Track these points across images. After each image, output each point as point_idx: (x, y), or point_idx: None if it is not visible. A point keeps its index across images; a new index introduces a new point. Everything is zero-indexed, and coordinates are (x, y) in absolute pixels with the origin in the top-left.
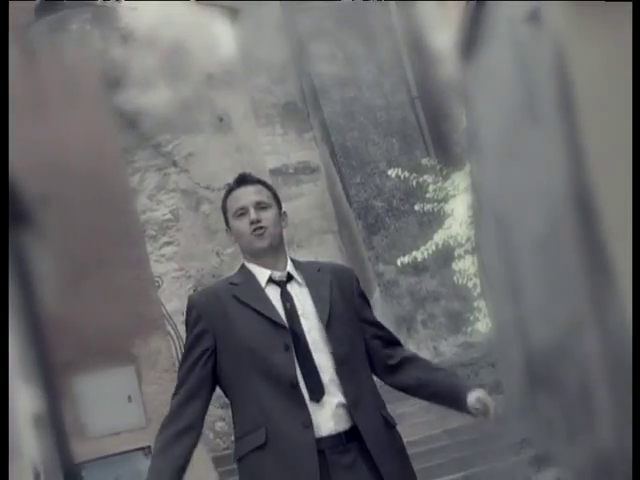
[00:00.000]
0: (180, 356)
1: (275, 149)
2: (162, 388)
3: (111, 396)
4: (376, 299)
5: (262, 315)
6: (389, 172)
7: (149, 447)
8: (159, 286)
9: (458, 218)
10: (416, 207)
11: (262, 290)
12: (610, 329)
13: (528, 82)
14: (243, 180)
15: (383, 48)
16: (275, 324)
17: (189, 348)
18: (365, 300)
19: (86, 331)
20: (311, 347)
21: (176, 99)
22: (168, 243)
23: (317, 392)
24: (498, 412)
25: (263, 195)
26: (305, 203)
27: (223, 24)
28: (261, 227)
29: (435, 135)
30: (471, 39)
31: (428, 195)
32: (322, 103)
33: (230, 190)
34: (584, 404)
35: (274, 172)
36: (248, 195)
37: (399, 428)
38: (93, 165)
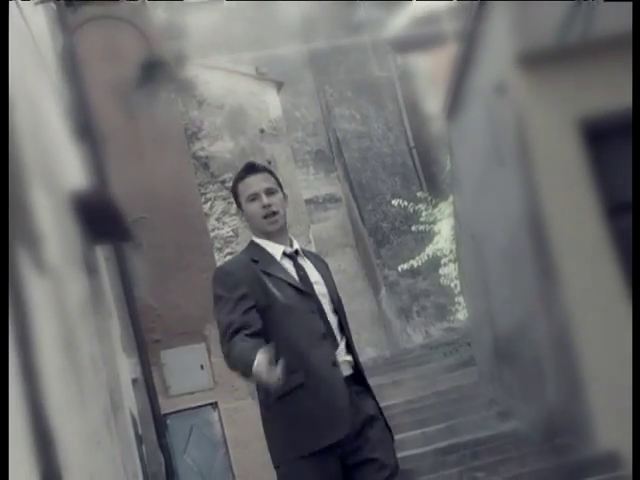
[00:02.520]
0: None
1: (309, 184)
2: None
3: (188, 365)
4: (382, 295)
5: (289, 284)
6: (393, 202)
7: (216, 403)
8: None
9: (444, 236)
10: (413, 228)
11: (278, 263)
12: (555, 318)
13: (496, 136)
14: (252, 168)
15: (389, 111)
16: (301, 291)
17: (234, 306)
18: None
19: (170, 317)
20: (325, 308)
21: (237, 148)
22: (230, 253)
23: (335, 341)
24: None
25: (270, 182)
26: (331, 224)
27: (271, 93)
28: (273, 212)
29: (427, 175)
30: (454, 104)
31: (421, 219)
32: (344, 151)
33: (241, 177)
34: (536, 373)
35: (308, 201)
36: (258, 182)
37: (398, 391)
38: (176, 195)
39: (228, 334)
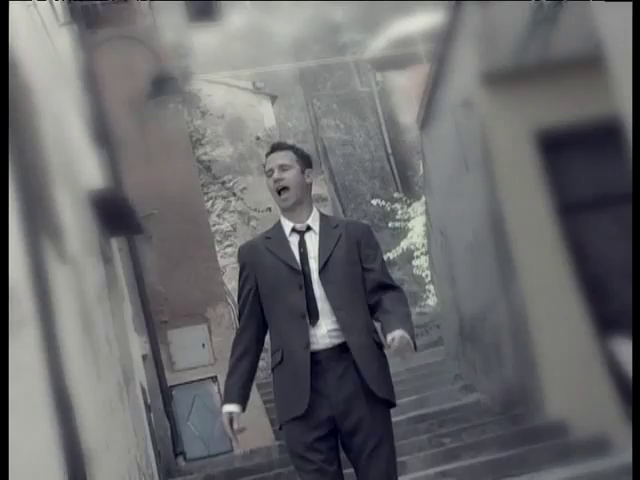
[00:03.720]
0: (236, 319)
1: None
2: (224, 339)
3: (191, 343)
4: None
5: (283, 262)
6: (372, 202)
7: (215, 376)
8: (223, 273)
9: (416, 232)
10: (389, 224)
11: (286, 239)
12: (512, 304)
13: (462, 145)
14: (275, 147)
15: (369, 122)
16: (292, 269)
17: (241, 288)
18: (374, 251)
19: (176, 301)
20: (314, 284)
21: (235, 153)
22: (229, 245)
23: (314, 317)
24: (397, 344)
25: (287, 159)
26: None
27: (266, 105)
28: (284, 187)
29: (402, 178)
30: (426, 117)
31: (397, 217)
32: (329, 156)
33: (266, 155)
34: (495, 352)
35: None
36: (275, 159)
37: None
38: (182, 194)
39: (237, 330)
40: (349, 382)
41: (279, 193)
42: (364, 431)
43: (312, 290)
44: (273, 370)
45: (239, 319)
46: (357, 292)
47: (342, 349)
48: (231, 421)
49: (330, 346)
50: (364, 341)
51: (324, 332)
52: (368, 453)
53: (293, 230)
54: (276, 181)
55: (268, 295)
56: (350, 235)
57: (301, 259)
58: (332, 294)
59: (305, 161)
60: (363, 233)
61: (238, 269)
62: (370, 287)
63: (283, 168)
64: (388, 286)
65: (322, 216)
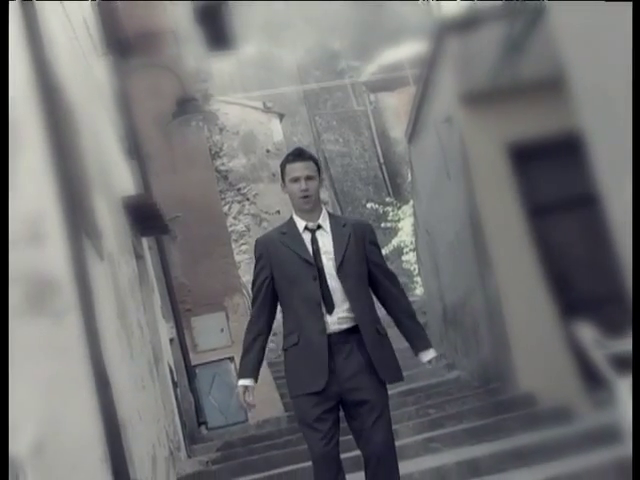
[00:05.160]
0: (250, 307)
1: None
2: (240, 324)
3: (211, 328)
4: None
5: (299, 255)
6: (367, 205)
7: (232, 357)
8: (238, 267)
9: (405, 231)
10: (382, 225)
11: (300, 235)
12: (488, 293)
13: (444, 156)
14: (300, 155)
15: (364, 136)
16: (307, 262)
17: (256, 276)
18: (376, 246)
19: (198, 292)
20: (328, 277)
21: (248, 163)
22: (243, 244)
23: (330, 307)
24: (434, 365)
25: (311, 170)
26: None
27: (275, 122)
28: (308, 195)
29: (393, 184)
30: (413, 132)
31: (389, 218)
32: (330, 166)
33: (290, 160)
34: (474, 335)
35: None
36: (302, 169)
37: None
38: (203, 200)
39: (251, 312)
40: (354, 361)
41: (302, 198)
42: (368, 404)
43: (326, 282)
44: (286, 350)
45: (252, 304)
46: (365, 286)
47: (348, 333)
48: (245, 393)
49: (338, 331)
50: (372, 328)
51: (335, 319)
52: (372, 422)
53: (305, 228)
54: (303, 190)
55: (284, 284)
56: (357, 234)
57: (314, 254)
58: (348, 287)
59: (320, 170)
60: (367, 231)
61: (254, 260)
62: (380, 277)
63: (309, 178)
64: (394, 277)
65: (330, 215)
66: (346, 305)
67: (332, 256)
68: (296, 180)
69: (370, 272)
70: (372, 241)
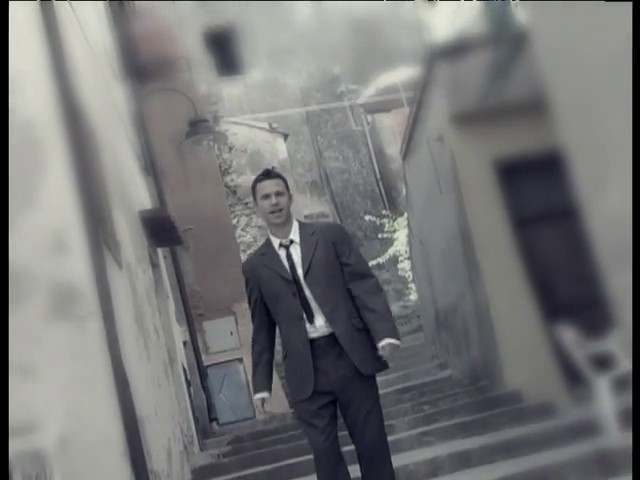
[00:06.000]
0: None
1: (306, 205)
2: (248, 328)
3: (222, 332)
4: None
5: (278, 274)
6: (365, 217)
7: (241, 358)
8: None
9: (400, 241)
10: (379, 235)
11: (277, 254)
12: (477, 299)
13: (436, 172)
14: (268, 174)
15: (362, 154)
16: (286, 279)
17: (249, 297)
18: (347, 246)
19: (209, 298)
20: (304, 288)
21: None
22: (251, 253)
23: (311, 317)
24: (386, 354)
25: (280, 186)
26: None
27: (280, 141)
28: (279, 209)
29: (389, 198)
30: (407, 149)
31: (385, 229)
32: (330, 182)
33: (259, 180)
34: (464, 337)
35: (306, 217)
36: (271, 186)
37: None
38: (213, 213)
39: (253, 330)
40: (343, 363)
41: (272, 212)
42: (357, 402)
43: (304, 294)
44: (283, 360)
45: (253, 322)
46: (337, 287)
47: (329, 340)
48: (263, 404)
49: (327, 334)
50: (347, 330)
51: (321, 324)
52: (362, 419)
53: (280, 245)
54: (274, 205)
55: (271, 302)
56: (326, 238)
57: (290, 269)
58: (317, 294)
59: (289, 189)
60: (336, 233)
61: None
62: (348, 278)
63: (279, 193)
64: (364, 275)
65: (301, 225)
66: (321, 314)
67: (302, 267)
68: (267, 197)
69: (343, 273)
70: (344, 242)
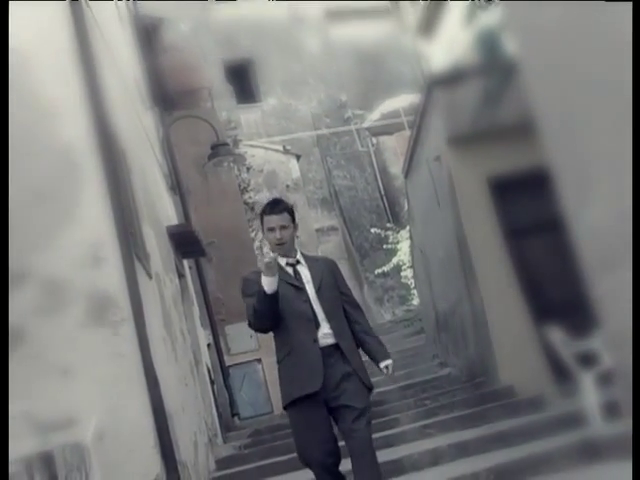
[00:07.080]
0: None
1: (317, 219)
2: None
3: (242, 335)
4: (365, 290)
5: (289, 283)
6: (371, 230)
7: (260, 359)
8: None
9: (403, 251)
10: (384, 246)
11: (284, 269)
12: (474, 303)
13: (435, 188)
14: (275, 208)
15: (367, 173)
16: (297, 287)
17: (246, 295)
18: (342, 279)
19: (231, 305)
20: (312, 301)
21: (271, 197)
22: None
23: (317, 324)
24: (390, 372)
25: (285, 220)
26: (331, 245)
27: (293, 162)
28: (282, 243)
29: (393, 213)
30: (409, 168)
31: (389, 241)
32: (339, 198)
33: (266, 212)
34: (462, 337)
35: (317, 230)
36: (277, 221)
37: None
38: (233, 228)
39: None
40: (338, 371)
41: (277, 245)
42: (350, 407)
43: (311, 305)
44: (280, 361)
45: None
46: (339, 309)
47: (331, 347)
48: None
49: (329, 344)
50: (349, 343)
51: (322, 334)
52: (352, 421)
53: (287, 263)
54: (278, 239)
55: (281, 305)
56: (328, 268)
57: (299, 282)
58: (326, 309)
59: (294, 218)
60: (334, 266)
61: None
62: (346, 306)
63: (283, 227)
64: (357, 305)
65: (303, 254)
66: (327, 324)
67: (313, 285)
68: (272, 230)
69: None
70: (339, 273)
